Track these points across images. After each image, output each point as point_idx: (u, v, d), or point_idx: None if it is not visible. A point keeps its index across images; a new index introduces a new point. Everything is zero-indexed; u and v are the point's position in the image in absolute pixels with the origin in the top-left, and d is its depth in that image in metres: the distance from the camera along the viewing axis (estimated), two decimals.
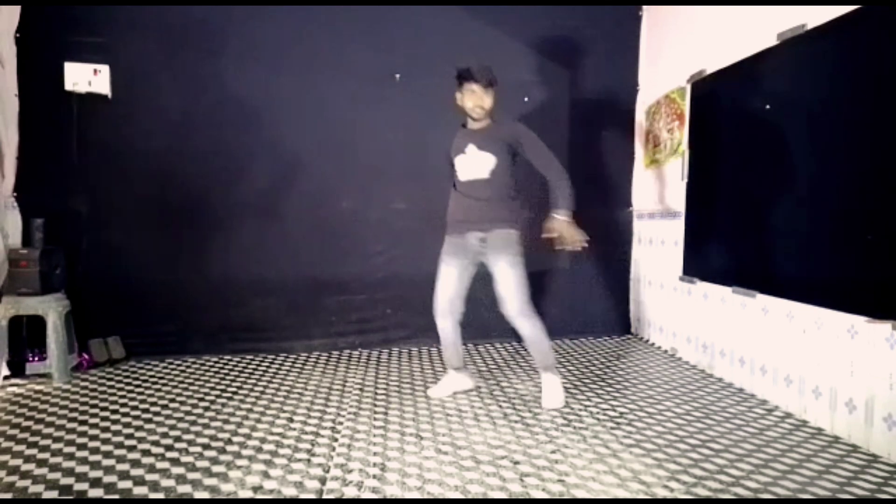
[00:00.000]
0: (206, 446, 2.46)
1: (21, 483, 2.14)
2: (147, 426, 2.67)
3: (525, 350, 4.14)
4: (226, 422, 2.74)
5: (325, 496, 2.07)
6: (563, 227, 2.86)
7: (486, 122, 3.06)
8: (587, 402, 3.07)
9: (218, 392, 3.17)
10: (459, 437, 2.59)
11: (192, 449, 2.43)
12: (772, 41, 3.07)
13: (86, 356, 3.61)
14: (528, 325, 2.94)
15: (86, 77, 3.60)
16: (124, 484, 2.13)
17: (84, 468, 2.25)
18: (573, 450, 2.47)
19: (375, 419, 2.81)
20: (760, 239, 3.20)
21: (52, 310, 3.33)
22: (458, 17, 4.16)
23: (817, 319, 2.79)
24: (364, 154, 4.10)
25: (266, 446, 2.47)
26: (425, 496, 2.08)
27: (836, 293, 2.69)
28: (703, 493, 2.12)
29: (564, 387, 3.20)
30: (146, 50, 3.75)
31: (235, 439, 2.54)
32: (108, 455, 2.36)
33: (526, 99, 4.33)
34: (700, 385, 3.39)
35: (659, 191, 4.26)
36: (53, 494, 2.06)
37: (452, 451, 2.44)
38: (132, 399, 3.04)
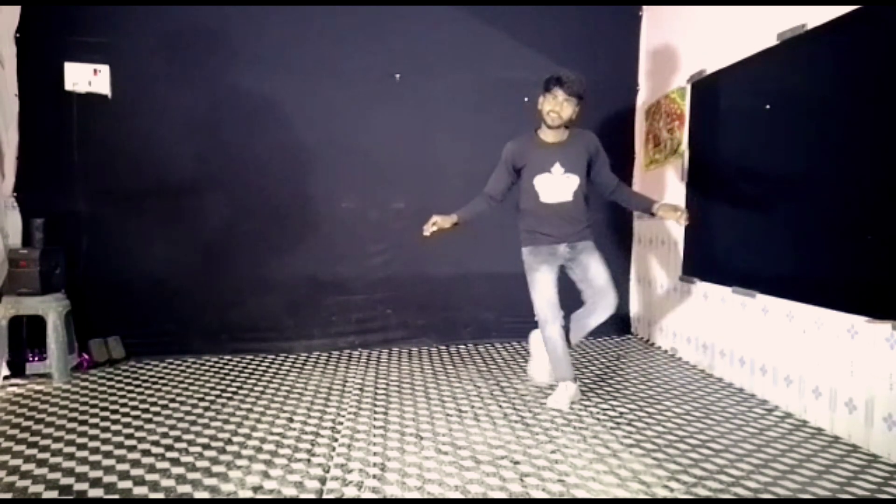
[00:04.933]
0: (206, 446, 2.46)
1: (21, 483, 2.14)
2: (147, 426, 2.67)
3: (524, 350, 4.15)
4: (226, 422, 2.74)
5: (325, 496, 2.07)
6: (669, 211, 3.01)
7: (564, 134, 3.05)
8: (587, 402, 3.07)
9: (218, 392, 3.17)
10: (459, 437, 2.59)
11: (192, 449, 2.43)
12: (772, 41, 3.07)
13: (86, 356, 3.60)
14: (614, 296, 3.08)
15: (86, 77, 3.61)
16: (124, 484, 2.13)
17: (84, 468, 2.25)
18: (573, 450, 2.47)
19: (375, 419, 2.81)
20: (760, 239, 3.19)
21: (52, 310, 3.33)
22: (458, 17, 4.16)
23: (817, 319, 2.79)
24: (364, 154, 4.10)
25: (266, 446, 2.47)
26: (425, 496, 2.08)
27: (836, 293, 2.69)
28: (703, 493, 2.12)
29: None
30: (146, 50, 3.75)
31: (235, 439, 2.54)
32: (108, 455, 2.36)
33: (526, 99, 4.31)
34: (700, 385, 3.39)
35: (659, 191, 4.25)
36: (53, 494, 2.06)
37: (452, 451, 2.44)
38: (132, 399, 3.04)
